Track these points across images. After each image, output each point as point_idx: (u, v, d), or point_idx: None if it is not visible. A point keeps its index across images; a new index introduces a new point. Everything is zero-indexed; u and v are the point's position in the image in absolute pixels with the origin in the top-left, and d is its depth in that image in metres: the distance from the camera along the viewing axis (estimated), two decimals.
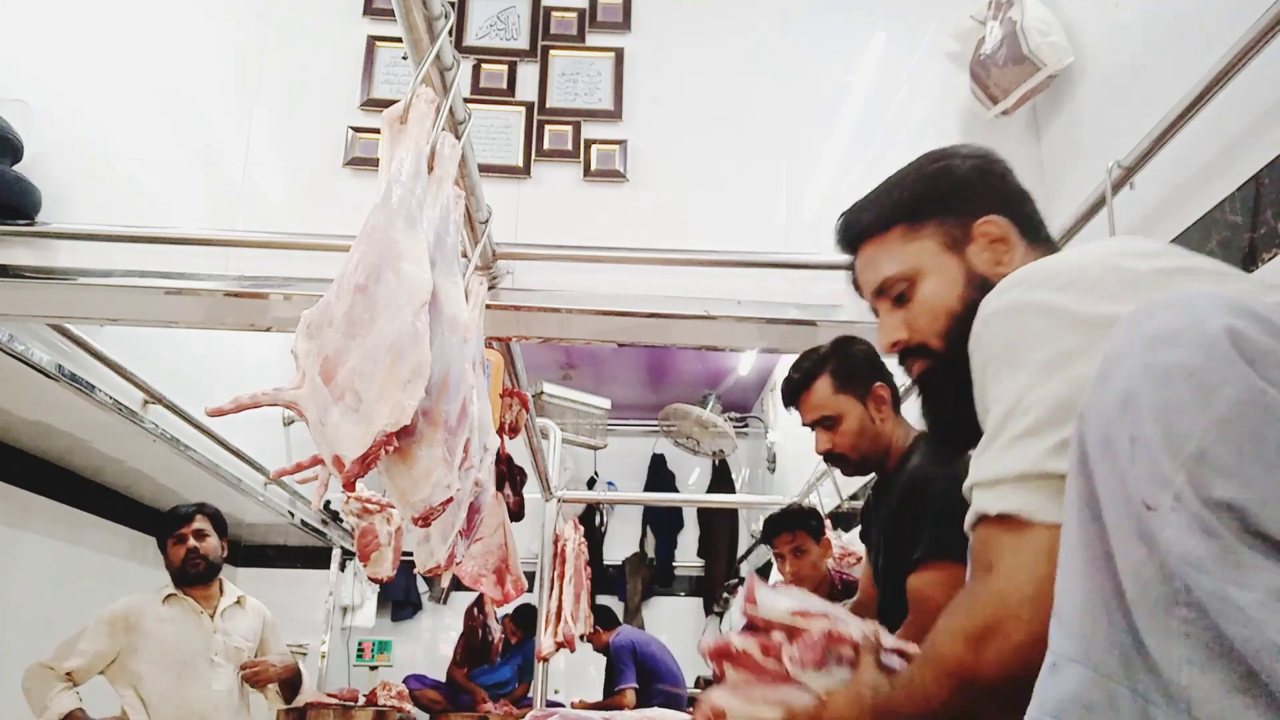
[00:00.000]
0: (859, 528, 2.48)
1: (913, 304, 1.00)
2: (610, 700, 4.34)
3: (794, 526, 2.55)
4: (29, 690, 2.63)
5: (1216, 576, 0.51)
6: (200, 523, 2.91)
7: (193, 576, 2.88)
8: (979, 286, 0.95)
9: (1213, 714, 0.51)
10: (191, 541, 2.87)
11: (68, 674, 2.65)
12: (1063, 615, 0.61)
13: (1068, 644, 0.59)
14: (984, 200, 1.00)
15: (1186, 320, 0.57)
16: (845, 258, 2.15)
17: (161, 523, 2.97)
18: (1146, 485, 0.54)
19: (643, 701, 4.24)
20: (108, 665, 2.74)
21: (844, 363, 1.79)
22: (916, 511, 1.57)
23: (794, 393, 1.83)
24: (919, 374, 1.02)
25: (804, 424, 1.85)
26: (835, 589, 2.53)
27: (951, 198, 1.02)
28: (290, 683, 2.96)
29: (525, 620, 4.92)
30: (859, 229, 1.07)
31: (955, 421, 0.98)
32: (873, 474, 1.87)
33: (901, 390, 1.82)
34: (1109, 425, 0.58)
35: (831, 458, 1.81)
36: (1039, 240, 1.01)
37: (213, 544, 2.92)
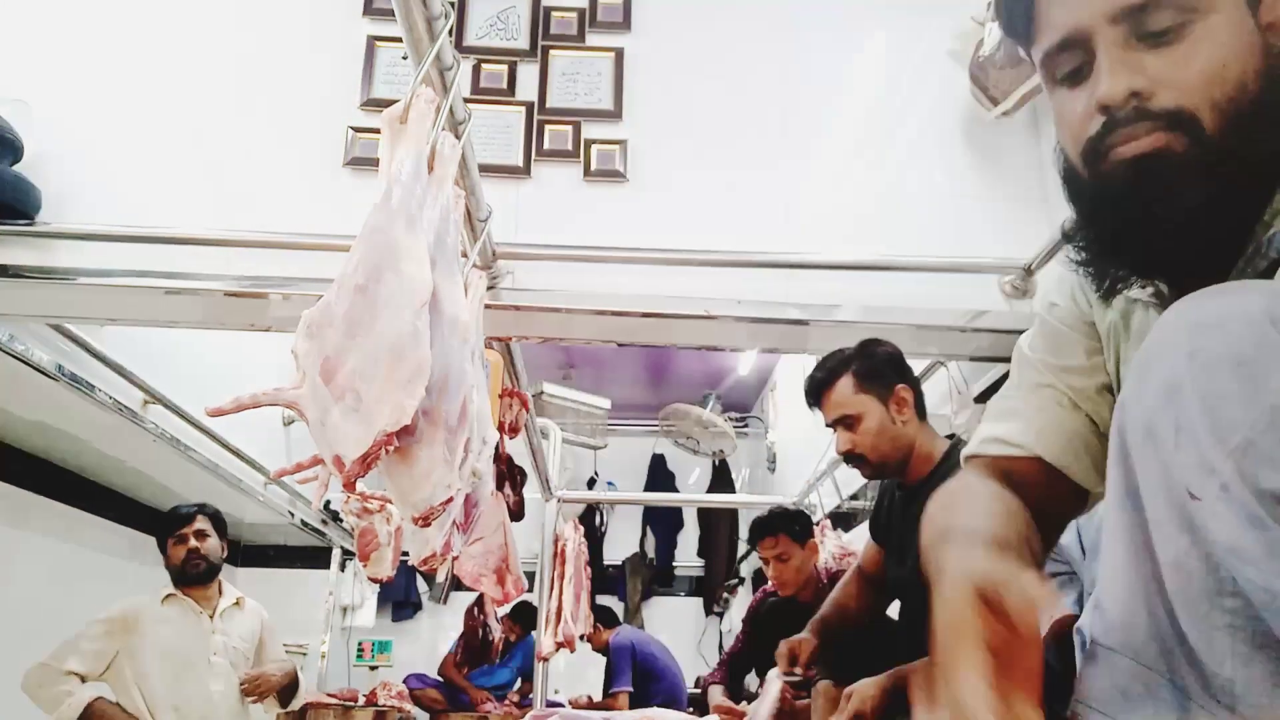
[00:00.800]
0: (860, 526, 2.47)
1: (1178, 49, 0.67)
2: (604, 703, 4.34)
3: (776, 530, 2.55)
4: (37, 688, 2.60)
5: (1264, 569, 0.49)
6: (201, 523, 2.91)
7: (193, 577, 2.88)
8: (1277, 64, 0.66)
9: (1257, 707, 0.50)
10: (192, 541, 2.87)
11: (71, 673, 2.65)
12: (1102, 605, 0.59)
13: (1107, 633, 0.58)
14: None
15: (1231, 307, 0.55)
16: (845, 257, 2.15)
17: (162, 522, 2.97)
18: (1193, 474, 0.52)
19: (642, 702, 4.24)
20: (107, 667, 2.74)
21: (867, 362, 1.81)
22: None
23: (817, 390, 1.86)
24: (1149, 152, 0.67)
25: (826, 423, 1.86)
26: (821, 585, 2.53)
27: None
28: (288, 688, 2.96)
29: (524, 617, 4.92)
30: None
31: (1172, 244, 0.69)
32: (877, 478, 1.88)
33: None
34: (1152, 414, 0.55)
35: (851, 458, 1.82)
36: None
37: (213, 544, 2.92)
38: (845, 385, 1.80)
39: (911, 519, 1.75)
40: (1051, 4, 0.70)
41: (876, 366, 1.80)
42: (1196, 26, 0.65)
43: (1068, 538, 1.05)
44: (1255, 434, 0.51)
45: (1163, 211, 0.66)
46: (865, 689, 1.62)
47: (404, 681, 4.80)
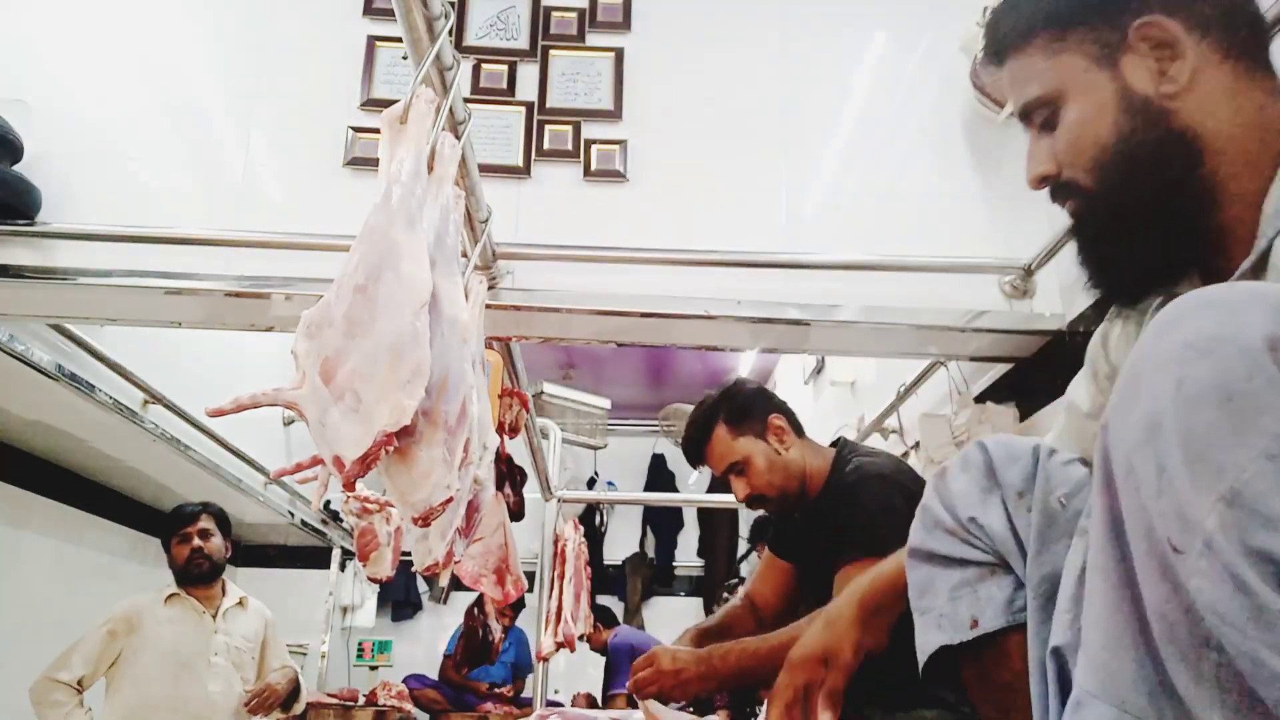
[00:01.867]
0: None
1: (1057, 131, 0.83)
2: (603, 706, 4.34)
3: (708, 433, 2.53)
4: (37, 702, 2.61)
5: (1249, 636, 0.45)
6: (205, 522, 2.91)
7: (196, 576, 2.88)
8: (1138, 109, 0.78)
9: None
10: (196, 541, 2.87)
11: (78, 682, 2.65)
12: (1089, 649, 0.55)
13: (1092, 679, 0.54)
14: None
15: (1224, 327, 0.49)
16: (845, 257, 2.15)
17: (166, 521, 2.97)
18: (1173, 525, 0.47)
19: None
20: (109, 667, 2.74)
21: (732, 405, 1.80)
22: (848, 516, 1.59)
23: (696, 450, 1.84)
24: (1070, 213, 0.87)
25: (717, 476, 1.86)
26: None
27: None
28: (291, 694, 2.96)
29: (512, 605, 4.92)
30: (1000, 38, 0.88)
31: (1116, 268, 0.83)
32: None
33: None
34: (1132, 451, 0.51)
35: (754, 501, 1.80)
36: (1245, 52, 0.77)
37: (217, 544, 2.92)
38: (721, 435, 1.78)
39: (816, 535, 1.74)
40: (1008, 89, 0.89)
41: (744, 405, 1.79)
42: (1064, 109, 0.82)
43: (994, 519, 0.94)
44: (1243, 482, 0.46)
45: (1092, 244, 0.85)
46: (668, 656, 1.62)
47: (404, 681, 4.80)
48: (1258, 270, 0.69)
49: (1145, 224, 0.78)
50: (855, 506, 1.58)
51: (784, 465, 1.76)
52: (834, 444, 1.88)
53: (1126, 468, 0.51)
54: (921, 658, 0.98)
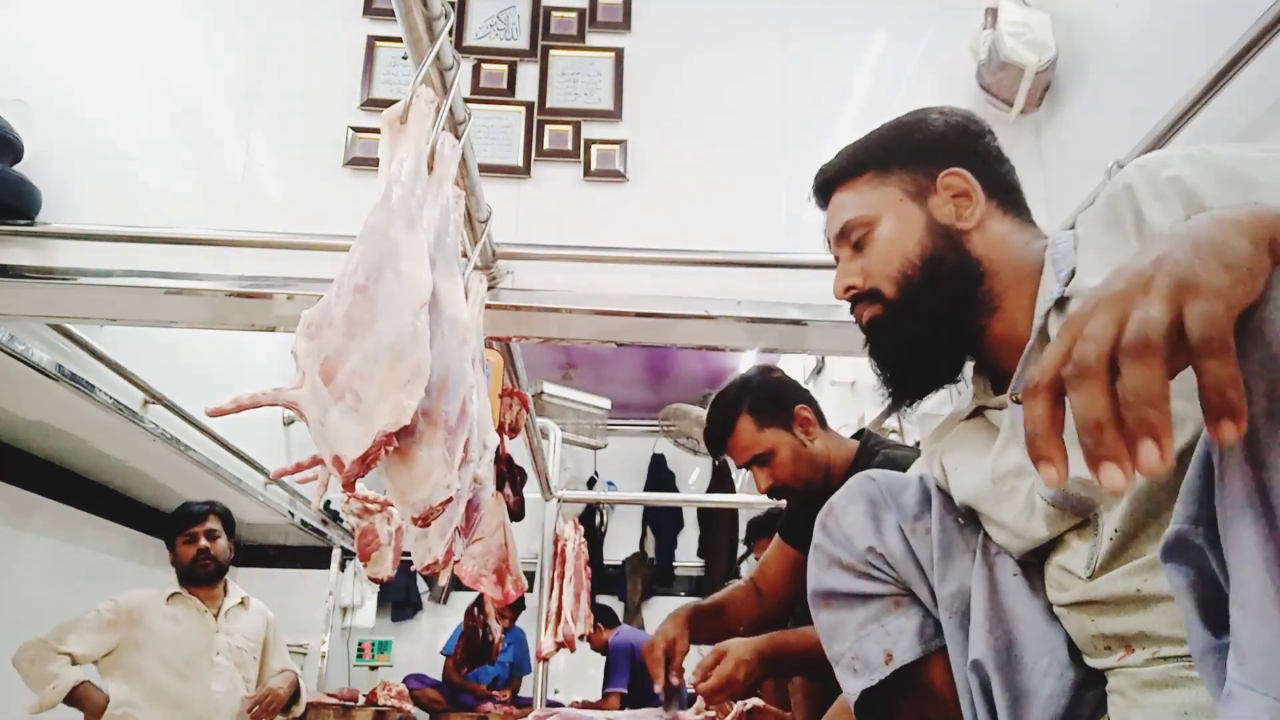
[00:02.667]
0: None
1: (869, 248, 1.00)
2: (597, 704, 4.34)
3: (771, 531, 2.54)
4: (28, 662, 2.55)
5: None
6: (212, 523, 2.91)
7: (201, 577, 2.88)
8: (940, 235, 0.96)
9: None
10: (203, 542, 2.87)
11: (66, 654, 2.63)
12: (1238, 636, 0.52)
13: (1244, 670, 0.51)
14: (956, 155, 1.00)
15: None
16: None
17: (172, 520, 2.97)
18: None
19: (643, 702, 4.24)
20: (104, 656, 2.72)
21: (758, 396, 1.77)
22: None
23: (719, 441, 1.80)
24: (868, 321, 1.00)
25: (739, 467, 1.82)
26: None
27: (922, 148, 1.01)
28: (291, 698, 2.96)
29: (512, 606, 4.92)
30: (832, 174, 1.07)
31: (902, 370, 0.98)
32: None
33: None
34: None
35: (775, 492, 1.77)
36: (1013, 208, 0.99)
37: (223, 545, 2.92)
38: (746, 427, 1.75)
39: None
40: (827, 227, 1.07)
41: (770, 397, 1.76)
42: (877, 231, 0.99)
43: (893, 544, 0.96)
44: None
45: (884, 348, 1.00)
46: (741, 652, 1.55)
47: (404, 681, 4.80)
48: (1042, 342, 0.85)
49: (938, 326, 0.95)
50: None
51: (810, 457, 1.74)
52: (857, 435, 1.86)
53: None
54: (853, 709, 0.97)
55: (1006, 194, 1.00)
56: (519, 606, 4.53)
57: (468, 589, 2.37)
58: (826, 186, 1.07)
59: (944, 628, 0.93)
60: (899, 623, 0.95)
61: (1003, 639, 0.88)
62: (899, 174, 1.01)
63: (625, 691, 4.28)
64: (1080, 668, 0.86)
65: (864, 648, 0.95)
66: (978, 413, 1.00)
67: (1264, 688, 0.49)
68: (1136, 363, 0.46)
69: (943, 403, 2.38)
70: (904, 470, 1.57)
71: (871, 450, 1.72)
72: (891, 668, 0.93)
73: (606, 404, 4.60)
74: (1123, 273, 0.52)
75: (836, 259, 1.05)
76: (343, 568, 5.33)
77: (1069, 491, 0.80)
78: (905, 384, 0.99)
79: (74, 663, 2.63)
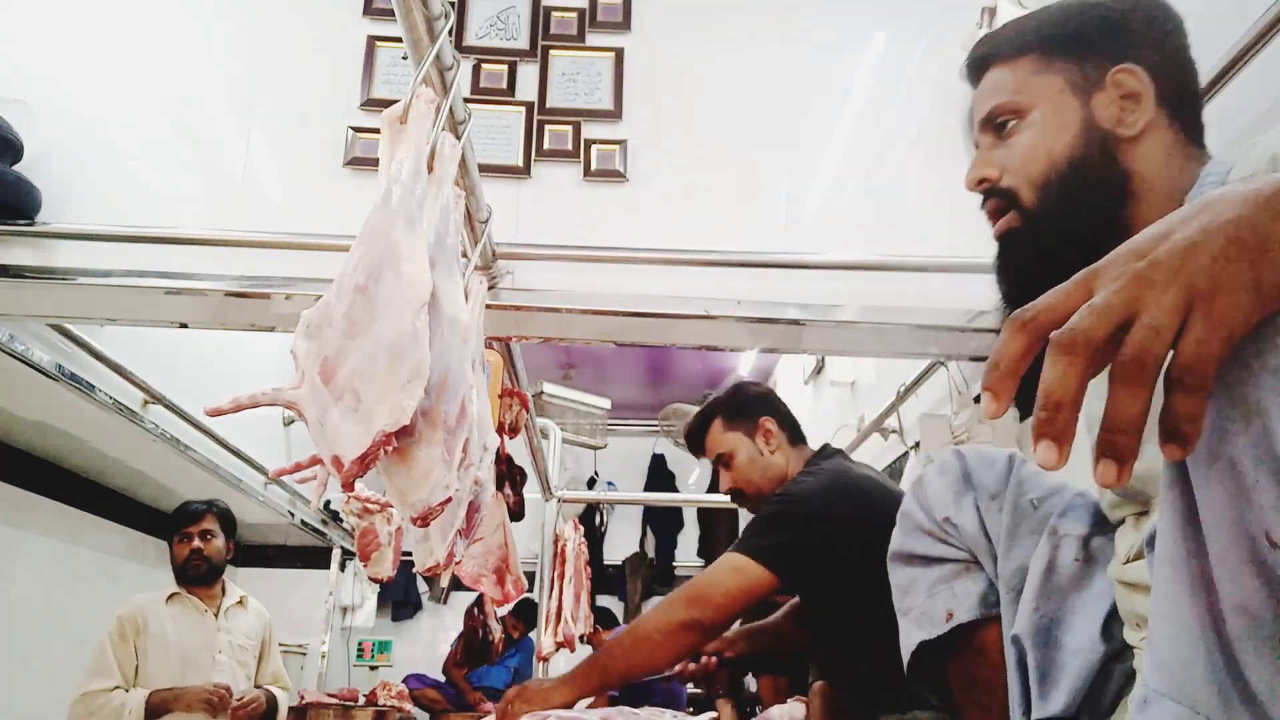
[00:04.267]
0: None
1: (1013, 140, 0.89)
2: (595, 703, 4.34)
3: (706, 424, 2.54)
4: (90, 716, 2.56)
5: None
6: (209, 522, 2.90)
7: (194, 578, 2.87)
8: (1095, 140, 0.85)
9: None
10: (196, 542, 2.86)
11: (113, 687, 2.63)
12: (1155, 644, 0.53)
13: (1160, 677, 0.52)
14: (1135, 49, 0.87)
15: None
16: (845, 257, 2.15)
17: (171, 518, 2.96)
18: (1272, 516, 0.46)
19: (642, 701, 4.24)
20: (135, 671, 2.72)
21: (732, 401, 1.90)
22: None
23: (696, 438, 1.93)
24: (1004, 231, 0.91)
25: (713, 465, 1.95)
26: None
27: (1099, 34, 0.88)
28: (270, 711, 2.94)
29: (526, 614, 4.93)
30: (990, 49, 0.94)
31: (1029, 296, 0.88)
32: None
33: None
34: (1224, 436, 0.49)
35: (733, 495, 1.88)
36: (1184, 121, 0.87)
37: (218, 545, 2.91)
38: (717, 427, 1.88)
39: None
40: (972, 110, 0.96)
41: (743, 404, 1.88)
42: (1024, 122, 0.88)
43: (967, 519, 0.99)
44: None
45: (1015, 266, 0.92)
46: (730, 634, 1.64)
47: (404, 681, 4.80)
48: None
49: (1071, 246, 0.83)
50: (760, 510, 1.68)
51: (764, 466, 1.83)
52: (816, 452, 1.91)
53: (1210, 458, 0.49)
54: (905, 656, 1.03)
55: (1180, 104, 0.87)
56: (530, 619, 4.54)
57: (468, 589, 2.37)
58: (982, 62, 0.95)
59: (1001, 600, 0.97)
60: (965, 586, 1.00)
61: (1046, 618, 0.91)
62: (1065, 61, 0.89)
63: (617, 694, 4.28)
64: (1114, 641, 0.89)
65: (931, 605, 1.00)
66: None
67: (1182, 697, 0.50)
68: (1125, 387, 0.44)
69: (942, 402, 2.38)
70: (819, 490, 1.66)
71: (805, 470, 1.79)
72: (950, 625, 0.98)
73: (606, 404, 4.60)
74: (1162, 239, 0.48)
75: (976, 146, 0.94)
76: (343, 568, 5.33)
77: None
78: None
79: (125, 689, 2.63)
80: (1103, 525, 0.95)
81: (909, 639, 1.02)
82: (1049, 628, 0.91)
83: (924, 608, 1.01)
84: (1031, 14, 0.94)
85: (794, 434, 1.88)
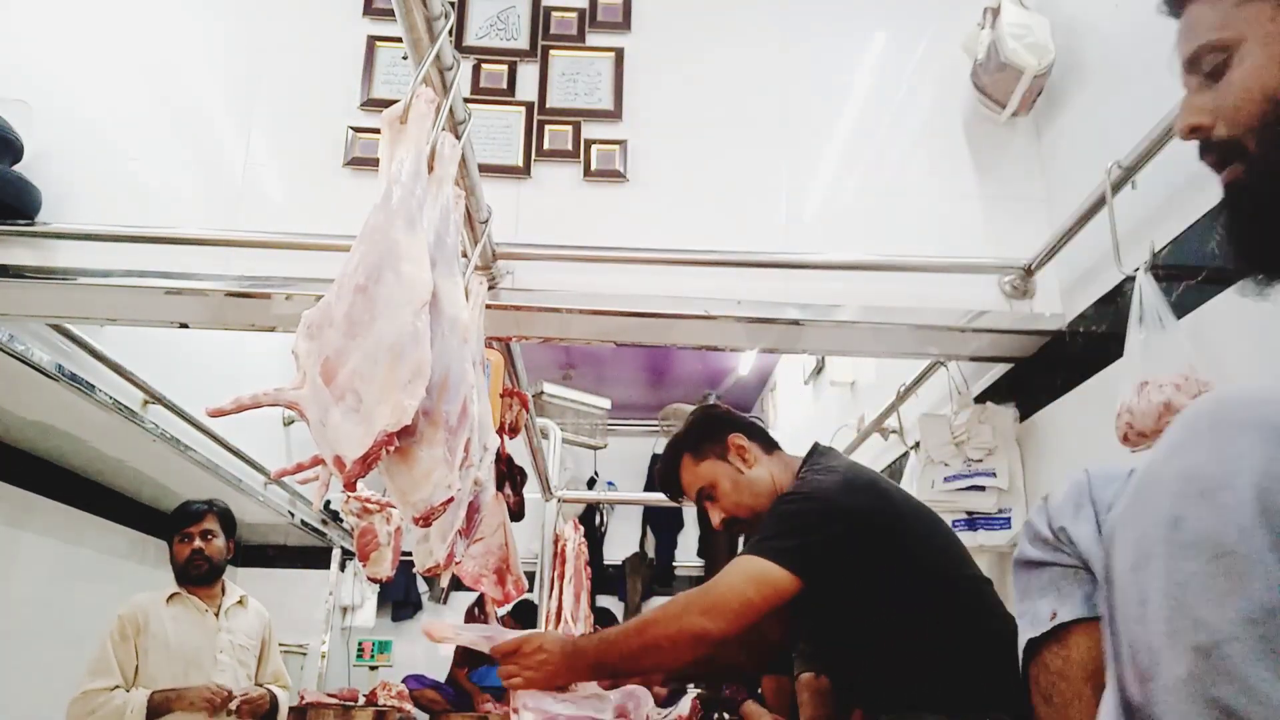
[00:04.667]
0: None
1: (1224, 80, 0.77)
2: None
3: (675, 466, 2.51)
4: (90, 715, 2.57)
5: None
6: (209, 523, 2.90)
7: (194, 578, 2.87)
8: None
9: None
10: (197, 542, 2.86)
11: (114, 686, 2.63)
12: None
13: None
14: None
15: (1222, 468, 0.50)
16: (845, 257, 2.14)
17: (172, 518, 2.96)
18: (1146, 656, 0.49)
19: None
20: (136, 671, 2.72)
21: (692, 434, 1.77)
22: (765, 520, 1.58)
23: (673, 485, 1.80)
24: (1228, 182, 0.79)
25: (695, 505, 1.83)
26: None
27: None
28: (271, 710, 2.94)
29: (525, 616, 4.93)
30: None
31: (1265, 251, 0.76)
32: None
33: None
34: (1126, 569, 0.52)
35: (729, 525, 1.75)
36: None
37: (218, 545, 2.91)
38: (687, 465, 1.75)
39: None
40: (1178, 48, 0.83)
41: (705, 431, 1.75)
42: (1239, 57, 0.75)
43: (1083, 531, 0.99)
44: (1220, 639, 0.47)
45: (1247, 216, 0.77)
46: (549, 642, 1.62)
47: (404, 681, 4.79)
48: None
49: None
50: (769, 512, 1.58)
51: (750, 483, 1.70)
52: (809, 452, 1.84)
53: (1124, 580, 0.52)
54: (1020, 659, 1.04)
55: None
56: (530, 618, 4.54)
57: (468, 589, 2.37)
58: None
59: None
60: (1071, 588, 1.00)
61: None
62: None
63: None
64: None
65: (1039, 606, 1.01)
66: None
67: None
68: None
69: (942, 402, 2.39)
70: (837, 485, 1.57)
71: (802, 477, 1.67)
72: (1054, 623, 0.98)
73: (606, 404, 4.60)
74: None
75: (1186, 89, 0.83)
76: (343, 568, 5.33)
77: None
78: (1269, 267, 0.76)
79: (125, 689, 2.63)
80: None
81: (1022, 640, 1.03)
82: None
83: (1035, 610, 1.02)
84: None
85: (766, 442, 1.78)
